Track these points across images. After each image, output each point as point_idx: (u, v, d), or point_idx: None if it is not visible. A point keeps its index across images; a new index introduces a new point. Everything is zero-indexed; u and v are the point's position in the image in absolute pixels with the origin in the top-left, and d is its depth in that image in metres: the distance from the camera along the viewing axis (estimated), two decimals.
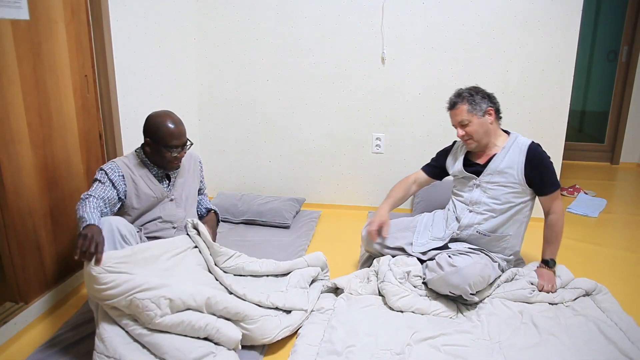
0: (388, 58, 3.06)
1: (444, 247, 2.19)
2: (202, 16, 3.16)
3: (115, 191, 1.91)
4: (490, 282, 2.08)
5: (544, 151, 2.15)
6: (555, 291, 2.09)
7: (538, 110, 3.00)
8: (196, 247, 2.04)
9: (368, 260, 2.42)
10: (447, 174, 2.42)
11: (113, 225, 1.74)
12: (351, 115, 3.19)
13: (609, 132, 4.55)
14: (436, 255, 2.10)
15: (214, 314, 1.72)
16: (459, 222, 2.22)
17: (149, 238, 1.98)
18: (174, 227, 2.07)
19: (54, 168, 2.10)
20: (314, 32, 3.08)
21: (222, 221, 2.96)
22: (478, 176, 2.19)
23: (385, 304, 2.04)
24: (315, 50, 3.11)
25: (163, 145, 1.93)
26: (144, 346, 1.62)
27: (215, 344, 1.67)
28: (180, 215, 2.09)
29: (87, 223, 1.66)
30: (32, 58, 1.94)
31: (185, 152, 2.03)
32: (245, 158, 3.38)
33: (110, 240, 1.72)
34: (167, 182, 2.08)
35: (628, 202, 3.51)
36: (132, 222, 1.97)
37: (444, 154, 2.42)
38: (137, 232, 1.96)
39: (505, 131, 2.25)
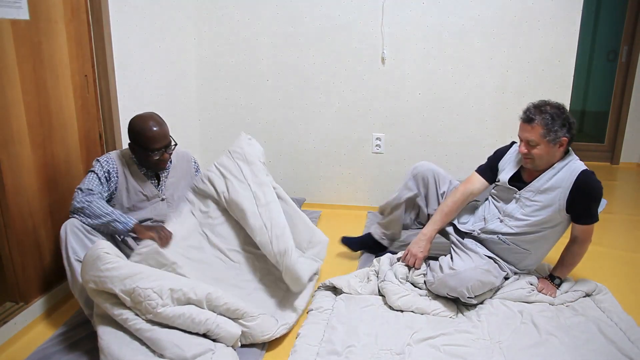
0: (388, 58, 3.06)
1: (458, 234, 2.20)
2: (202, 16, 3.16)
3: (107, 184, 1.96)
4: (493, 288, 2.06)
5: (598, 181, 1.97)
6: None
7: None
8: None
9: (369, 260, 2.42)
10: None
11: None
12: (351, 115, 3.19)
13: (609, 132, 4.55)
14: (439, 255, 2.12)
15: (214, 311, 1.71)
16: (485, 224, 2.16)
17: None
18: None
19: (54, 168, 2.10)
20: (314, 32, 3.08)
21: None
22: (519, 189, 2.08)
23: (385, 303, 2.04)
24: (315, 51, 3.11)
25: (145, 148, 1.96)
26: (143, 343, 1.62)
27: (214, 340, 1.67)
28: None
29: (133, 223, 1.86)
30: (32, 58, 1.94)
31: (169, 153, 2.04)
32: None
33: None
34: (157, 181, 2.12)
35: (628, 202, 3.51)
36: None
37: (500, 154, 2.24)
38: (128, 237, 1.99)
39: (567, 150, 2.05)
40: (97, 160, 1.97)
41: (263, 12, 3.09)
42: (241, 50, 3.18)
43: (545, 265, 2.30)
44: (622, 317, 1.91)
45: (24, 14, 1.88)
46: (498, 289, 2.10)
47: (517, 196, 2.07)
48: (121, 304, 1.65)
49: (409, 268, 2.15)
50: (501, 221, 2.12)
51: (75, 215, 1.83)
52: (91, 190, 1.88)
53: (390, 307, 2.01)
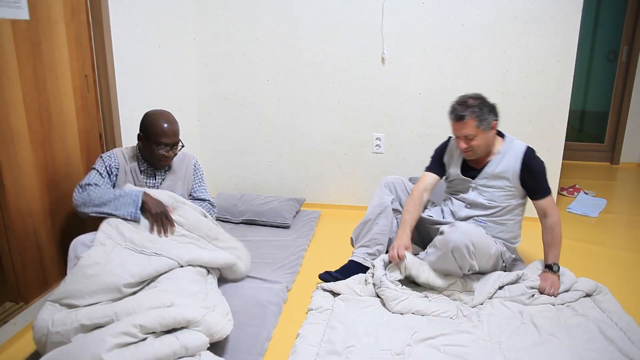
0: (388, 58, 3.06)
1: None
2: (202, 16, 3.16)
3: (108, 177, 2.04)
4: (492, 255, 2.08)
5: (539, 157, 2.17)
6: (557, 296, 2.08)
7: (538, 110, 3.00)
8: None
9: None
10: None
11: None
12: (351, 115, 3.19)
13: (609, 132, 4.55)
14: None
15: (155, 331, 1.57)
16: (454, 217, 2.27)
17: None
18: None
19: (54, 168, 2.10)
20: (314, 32, 3.08)
21: (223, 221, 2.96)
22: (474, 179, 2.22)
23: (384, 305, 2.04)
24: (315, 50, 3.11)
25: (153, 141, 2.02)
26: None
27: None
28: None
29: (142, 194, 1.95)
30: (32, 58, 1.94)
31: (174, 153, 2.08)
32: (245, 158, 3.38)
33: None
34: (154, 180, 2.14)
35: (628, 202, 3.51)
36: None
37: (441, 150, 2.39)
38: None
39: (499, 133, 2.24)
40: (100, 156, 2.08)
41: (263, 12, 3.09)
42: (241, 50, 3.18)
43: (538, 262, 2.28)
44: (622, 317, 1.91)
45: (24, 14, 1.88)
46: (501, 286, 2.10)
47: (474, 185, 2.22)
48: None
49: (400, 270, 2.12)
50: (468, 208, 2.24)
51: (81, 210, 1.93)
52: (89, 184, 1.97)
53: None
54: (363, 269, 2.28)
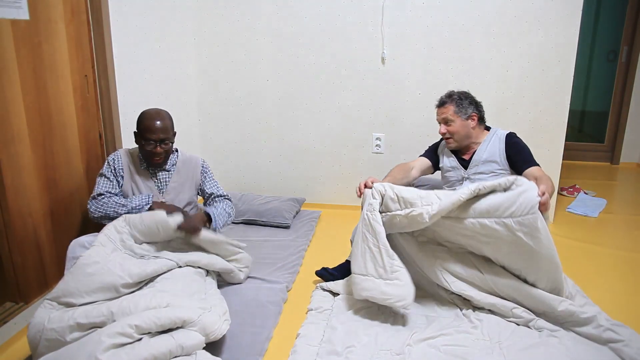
0: (388, 58, 3.06)
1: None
2: (202, 16, 3.16)
3: (115, 179, 2.08)
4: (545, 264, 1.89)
5: (521, 139, 2.27)
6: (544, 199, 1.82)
7: (538, 110, 3.00)
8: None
9: None
10: (439, 168, 2.46)
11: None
12: (351, 115, 3.19)
13: (609, 132, 4.55)
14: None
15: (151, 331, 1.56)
16: None
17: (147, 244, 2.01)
18: None
19: (54, 168, 2.10)
20: (314, 32, 3.08)
21: None
22: (466, 169, 2.30)
23: (380, 308, 2.01)
24: (315, 50, 3.11)
25: (142, 137, 2.05)
26: None
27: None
28: None
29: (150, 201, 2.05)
30: (32, 58, 1.94)
31: (163, 149, 2.07)
32: (245, 158, 3.38)
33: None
34: (155, 179, 2.16)
35: (628, 202, 3.51)
36: None
37: (434, 148, 2.50)
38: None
39: (487, 127, 2.36)
40: (106, 160, 2.12)
41: (263, 12, 3.09)
42: (241, 50, 3.18)
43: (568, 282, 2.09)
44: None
45: (24, 14, 1.88)
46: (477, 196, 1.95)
47: (466, 175, 2.29)
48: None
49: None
50: None
51: (100, 222, 2.01)
52: (101, 194, 2.03)
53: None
54: None
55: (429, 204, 1.92)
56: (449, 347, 1.75)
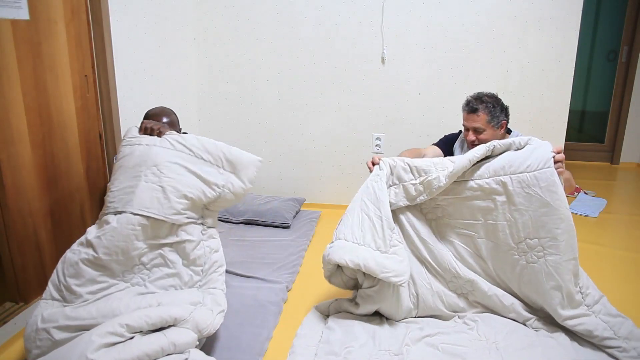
0: (388, 58, 3.06)
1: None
2: (202, 16, 3.16)
3: None
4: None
5: None
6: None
7: (538, 110, 3.00)
8: None
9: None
10: None
11: None
12: (351, 115, 3.19)
13: (609, 132, 4.55)
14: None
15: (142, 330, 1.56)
16: None
17: None
18: None
19: (54, 168, 2.10)
20: (314, 32, 3.08)
21: (223, 221, 2.96)
22: None
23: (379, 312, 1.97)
24: (315, 50, 3.11)
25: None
26: None
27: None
28: None
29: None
30: (32, 58, 1.94)
31: None
32: None
33: None
34: None
35: (628, 202, 3.51)
36: None
37: (451, 140, 2.45)
38: None
39: (508, 130, 2.30)
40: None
41: (263, 12, 3.09)
42: (241, 50, 3.18)
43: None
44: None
45: (24, 14, 1.88)
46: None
47: None
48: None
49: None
50: None
51: None
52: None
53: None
54: None
55: (444, 168, 1.87)
56: (448, 345, 1.74)
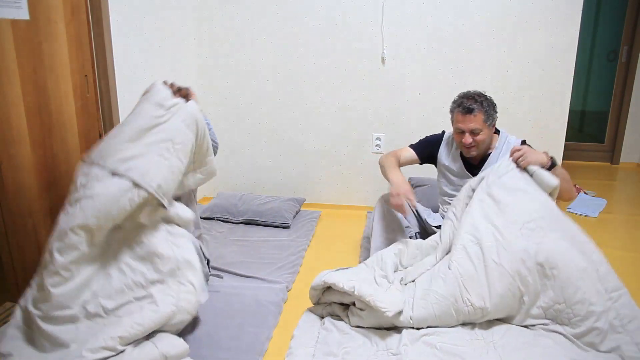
0: (388, 58, 3.06)
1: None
2: (202, 16, 3.16)
3: None
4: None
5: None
6: (522, 161, 1.96)
7: (538, 110, 3.00)
8: None
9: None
10: (433, 162, 2.37)
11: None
12: (351, 115, 3.19)
13: (609, 132, 4.55)
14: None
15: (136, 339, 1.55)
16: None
17: None
18: None
19: (54, 168, 2.10)
20: (314, 32, 3.08)
21: (222, 221, 2.96)
22: (473, 176, 2.17)
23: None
24: (315, 50, 3.11)
25: None
26: None
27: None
28: None
29: None
30: (32, 58, 1.94)
31: None
32: (245, 158, 3.38)
33: None
34: None
35: (628, 202, 3.51)
36: None
37: (435, 142, 2.34)
38: None
39: (496, 131, 2.25)
40: None
41: (263, 12, 3.10)
42: (241, 50, 3.18)
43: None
44: None
45: (24, 14, 1.88)
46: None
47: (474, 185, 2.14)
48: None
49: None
50: None
51: None
52: None
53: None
54: None
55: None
56: (446, 345, 1.74)
